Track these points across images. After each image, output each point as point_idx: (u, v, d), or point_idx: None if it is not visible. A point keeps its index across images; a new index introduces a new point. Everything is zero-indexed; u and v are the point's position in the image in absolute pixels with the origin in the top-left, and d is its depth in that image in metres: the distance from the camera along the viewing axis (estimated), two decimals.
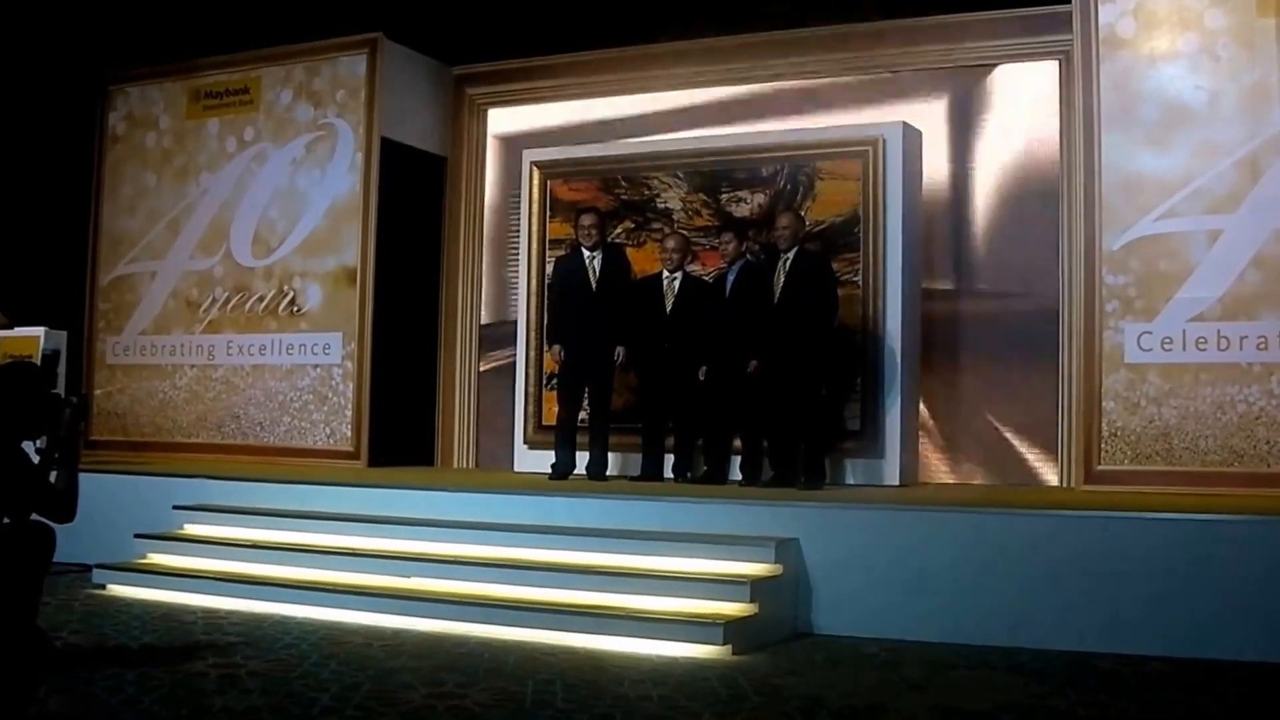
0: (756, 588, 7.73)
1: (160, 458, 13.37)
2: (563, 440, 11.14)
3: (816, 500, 8.96)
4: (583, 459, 11.08)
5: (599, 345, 11.00)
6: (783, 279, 10.35)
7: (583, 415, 11.27)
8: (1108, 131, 10.45)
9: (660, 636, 7.42)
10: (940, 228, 11.81)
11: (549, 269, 12.11)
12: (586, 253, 11.22)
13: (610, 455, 11.20)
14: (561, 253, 11.89)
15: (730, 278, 10.90)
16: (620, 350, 11.02)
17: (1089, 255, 10.46)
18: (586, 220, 11.30)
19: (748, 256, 10.99)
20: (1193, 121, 10.21)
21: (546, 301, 11.99)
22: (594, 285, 11.13)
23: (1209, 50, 10.22)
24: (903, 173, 11.08)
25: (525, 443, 12.32)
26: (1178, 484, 9.92)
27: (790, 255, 10.37)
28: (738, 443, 10.89)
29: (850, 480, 10.94)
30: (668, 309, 11.07)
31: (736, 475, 10.79)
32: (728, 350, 10.58)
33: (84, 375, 14.27)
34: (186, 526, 10.03)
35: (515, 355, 12.60)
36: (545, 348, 11.75)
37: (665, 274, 11.16)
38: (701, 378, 10.81)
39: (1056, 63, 11.42)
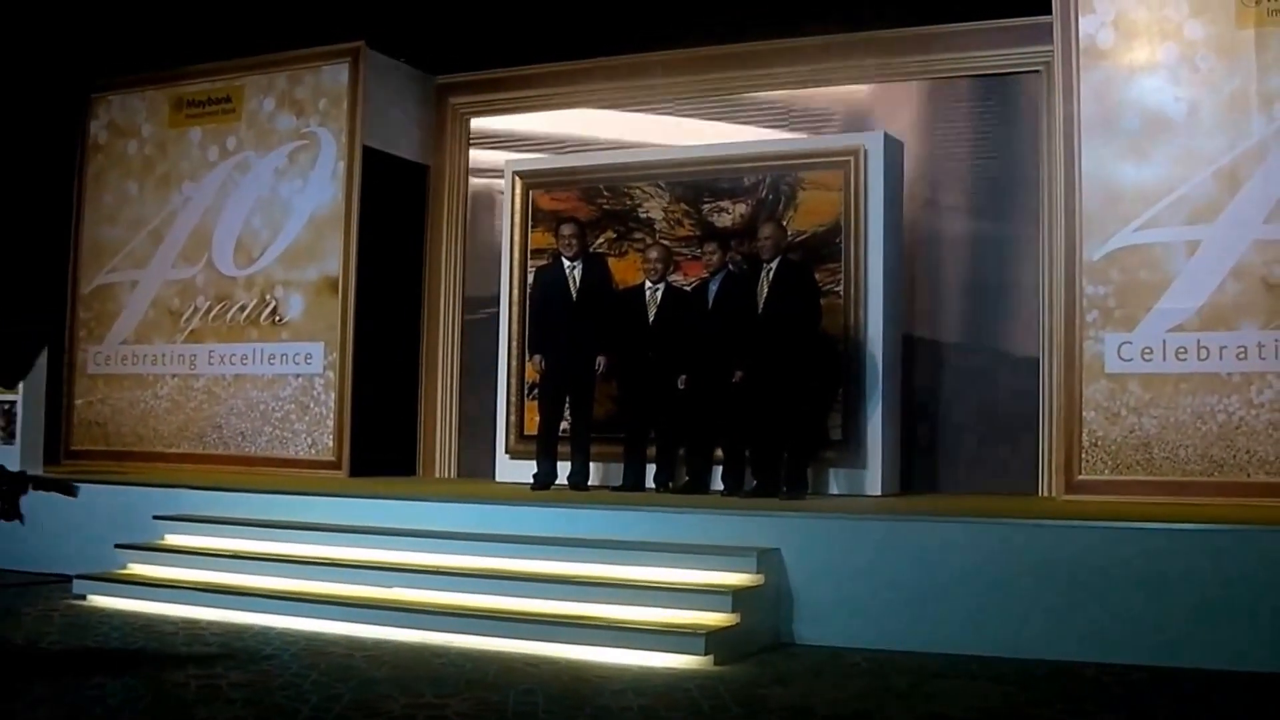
0: (738, 598, 7.73)
1: (141, 468, 13.35)
2: (544, 450, 11.15)
3: (798, 510, 8.96)
4: (564, 469, 11.09)
5: (580, 355, 11.01)
6: (766, 289, 10.34)
7: (564, 425, 11.28)
8: (1088, 142, 10.49)
9: (642, 647, 7.41)
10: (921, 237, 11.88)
11: (530, 279, 12.09)
12: (567, 263, 11.23)
13: (592, 465, 11.20)
14: (543, 262, 11.90)
15: (713, 287, 10.88)
16: (601, 360, 11.02)
17: (1069, 265, 10.50)
18: (566, 230, 11.30)
19: (730, 267, 11.00)
20: (1172, 132, 10.26)
21: (527, 311, 11.95)
22: (574, 295, 11.14)
23: (1189, 61, 10.27)
24: (884, 183, 11.10)
25: (507, 452, 12.30)
26: (1158, 494, 9.96)
27: (773, 265, 10.36)
28: (719, 453, 10.88)
29: (832, 490, 10.95)
30: (650, 319, 11.09)
31: (718, 485, 10.79)
32: (711, 360, 10.58)
33: (65, 385, 14.24)
34: (167, 537, 10.00)
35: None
36: (527, 358, 11.73)
37: (648, 285, 11.17)
38: (681, 386, 10.82)
39: (1038, 73, 11.49)
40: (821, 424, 10.98)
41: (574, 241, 11.23)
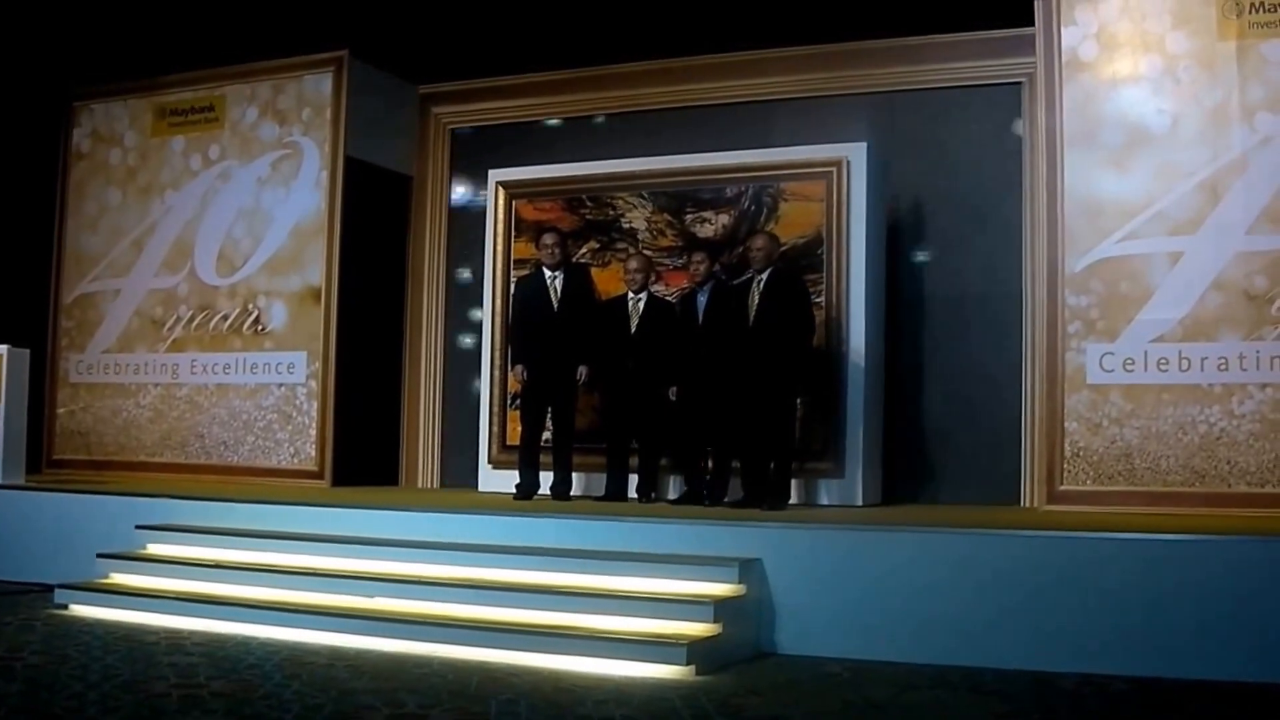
0: (720, 608, 7.74)
1: (123, 477, 13.32)
2: (526, 460, 11.14)
3: (780, 520, 8.96)
4: (547, 479, 11.08)
5: (561, 365, 11.00)
6: (758, 300, 10.29)
7: (547, 435, 11.27)
8: (1070, 154, 10.52)
9: (624, 657, 7.42)
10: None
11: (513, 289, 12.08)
12: (548, 272, 11.21)
13: (575, 475, 11.19)
14: (525, 272, 11.89)
15: (701, 298, 10.88)
16: (583, 370, 11.01)
17: (1051, 276, 10.52)
18: (548, 239, 11.29)
19: (717, 277, 11.00)
20: (1154, 144, 10.29)
21: (510, 321, 11.90)
22: (555, 305, 11.13)
23: (1170, 73, 10.31)
24: (867, 193, 11.11)
25: (490, 463, 12.29)
26: (1140, 504, 9.98)
27: (765, 276, 10.33)
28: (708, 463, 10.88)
29: (814, 500, 10.95)
30: (632, 329, 11.08)
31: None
32: (704, 371, 10.56)
33: (47, 394, 14.20)
34: (149, 546, 9.98)
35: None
36: (509, 368, 11.71)
37: (630, 295, 11.17)
38: (672, 398, 10.82)
39: (1020, 85, 11.53)
40: (810, 434, 10.97)
41: (555, 251, 11.21)
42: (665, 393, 10.84)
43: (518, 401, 11.72)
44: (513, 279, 12.19)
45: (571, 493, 11.14)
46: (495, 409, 12.33)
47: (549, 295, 11.15)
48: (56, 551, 10.37)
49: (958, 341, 11.73)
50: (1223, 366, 9.95)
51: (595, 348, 11.09)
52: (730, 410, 10.36)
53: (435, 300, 13.82)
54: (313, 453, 12.99)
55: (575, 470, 11.20)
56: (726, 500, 10.43)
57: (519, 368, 11.19)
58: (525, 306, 11.33)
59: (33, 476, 12.48)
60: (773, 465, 10.29)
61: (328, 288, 13.06)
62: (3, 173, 14.01)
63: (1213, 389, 9.98)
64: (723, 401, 10.40)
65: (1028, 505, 11.05)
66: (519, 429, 11.50)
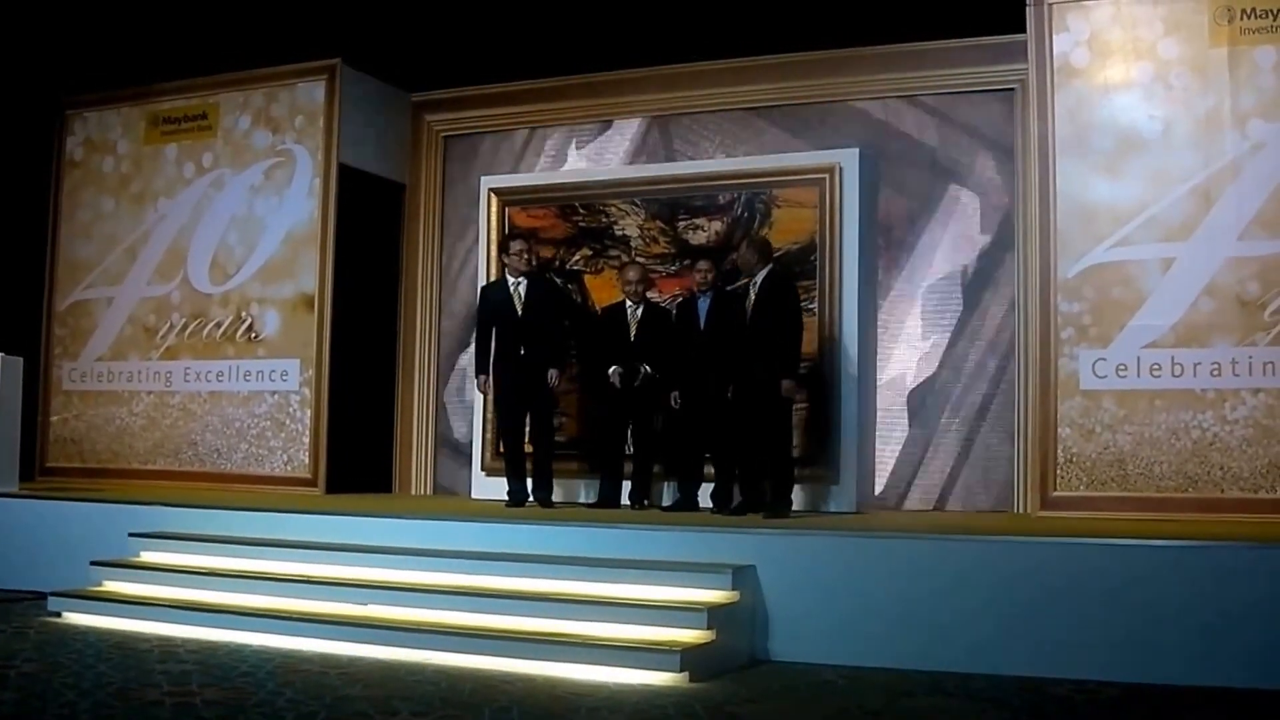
0: (714, 615, 7.74)
1: (117, 484, 13.29)
2: (513, 469, 11.16)
3: (773, 527, 8.96)
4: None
5: (531, 373, 11.02)
6: (752, 307, 10.28)
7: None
8: (1062, 160, 10.55)
9: (617, 664, 7.41)
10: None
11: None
12: (511, 280, 11.24)
13: (571, 482, 11.18)
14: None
15: (703, 304, 10.83)
16: (554, 373, 11.03)
17: (1044, 283, 10.54)
18: (516, 246, 11.32)
19: (717, 284, 10.98)
20: (1146, 150, 10.32)
21: (475, 328, 11.85)
22: (519, 311, 11.14)
23: (1162, 79, 10.34)
24: (859, 200, 11.11)
25: (483, 469, 12.29)
26: (1132, 510, 10.00)
27: (759, 280, 10.29)
28: (708, 470, 10.87)
29: (808, 507, 10.95)
30: (631, 337, 11.10)
31: (703, 503, 10.77)
32: (704, 377, 10.55)
33: (40, 401, 14.18)
34: (143, 554, 9.96)
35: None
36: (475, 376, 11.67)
37: (628, 303, 11.17)
38: (675, 405, 10.82)
39: (1012, 91, 11.52)
40: (803, 440, 10.97)
41: (524, 258, 11.24)
42: (666, 400, 10.86)
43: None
44: None
45: (554, 498, 11.15)
46: (488, 415, 12.31)
47: (513, 303, 11.16)
48: (50, 559, 10.35)
49: (951, 347, 11.70)
50: (1215, 372, 9.98)
51: (563, 352, 11.18)
52: (729, 416, 10.34)
53: (429, 307, 13.80)
54: (306, 460, 12.97)
55: (571, 477, 11.21)
56: (733, 507, 10.35)
57: (481, 377, 11.21)
58: (490, 315, 11.33)
59: (26, 484, 12.45)
60: (772, 471, 10.26)
61: (321, 295, 13.04)
62: None
63: (1205, 395, 10.01)
64: (722, 407, 10.36)
65: (1021, 511, 11.04)
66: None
